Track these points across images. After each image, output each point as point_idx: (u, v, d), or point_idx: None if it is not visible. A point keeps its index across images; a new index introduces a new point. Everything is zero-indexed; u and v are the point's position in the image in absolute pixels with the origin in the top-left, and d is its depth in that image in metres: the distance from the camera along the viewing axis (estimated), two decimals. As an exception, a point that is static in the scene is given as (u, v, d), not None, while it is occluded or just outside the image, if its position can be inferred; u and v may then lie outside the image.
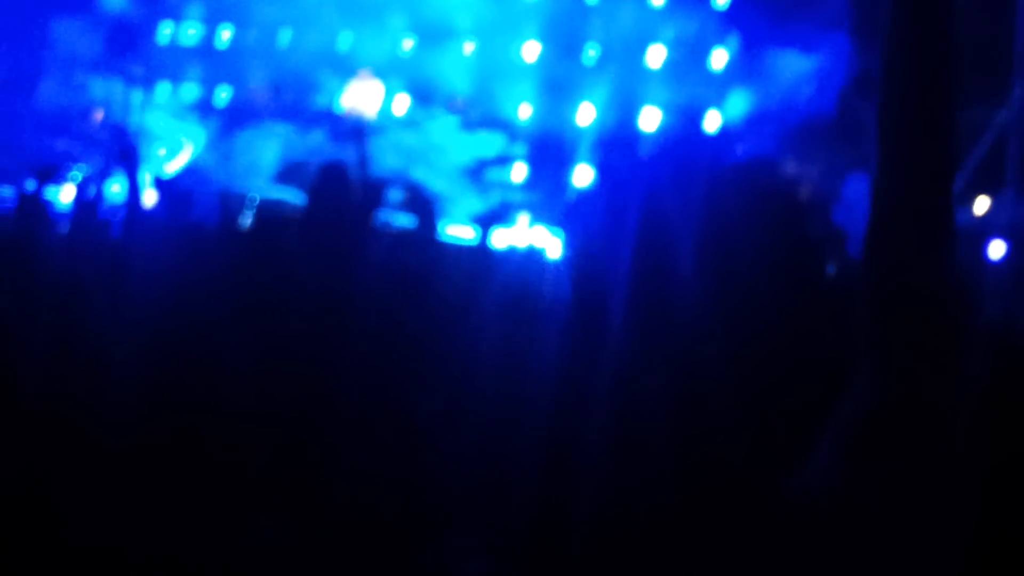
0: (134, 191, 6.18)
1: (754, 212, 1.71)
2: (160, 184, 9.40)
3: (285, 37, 14.12)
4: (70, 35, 12.26)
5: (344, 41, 14.05)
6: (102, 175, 9.46)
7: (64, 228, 7.45)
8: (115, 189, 10.14)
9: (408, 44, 14.07)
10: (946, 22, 1.72)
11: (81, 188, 8.45)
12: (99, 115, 12.15)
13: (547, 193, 11.79)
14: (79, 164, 9.84)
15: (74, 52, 12.17)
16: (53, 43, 12.14)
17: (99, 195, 8.13)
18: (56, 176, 8.74)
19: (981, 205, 10.11)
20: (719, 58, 13.56)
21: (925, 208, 1.67)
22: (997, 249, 8.65)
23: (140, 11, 13.61)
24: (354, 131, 12.35)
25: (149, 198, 9.00)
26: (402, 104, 13.80)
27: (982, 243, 8.53)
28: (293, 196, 11.67)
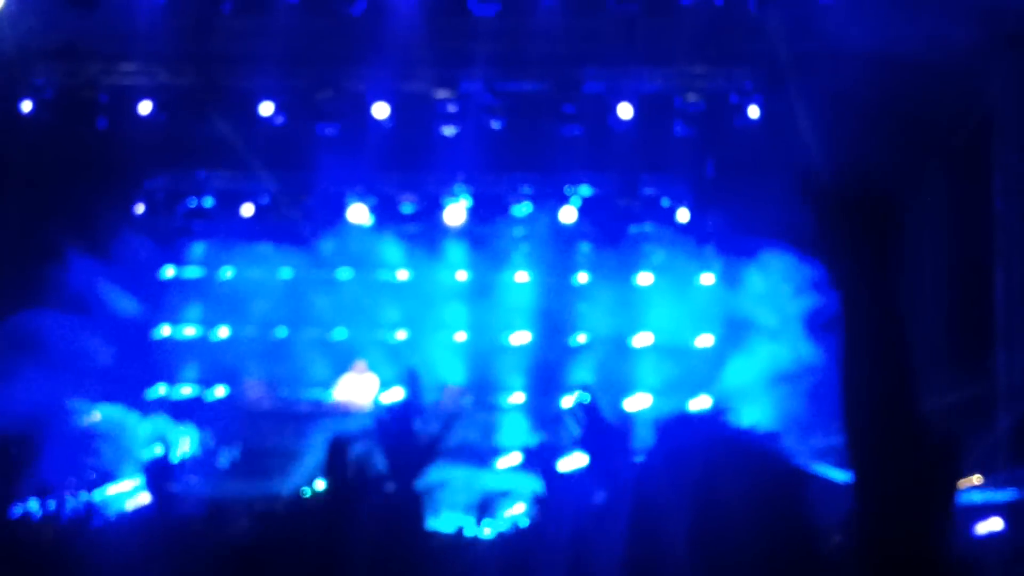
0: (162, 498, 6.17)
1: (749, 495, 1.73)
2: (153, 484, 9.40)
3: (281, 332, 14.44)
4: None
5: (339, 334, 14.38)
6: (94, 482, 9.52)
7: (57, 537, 7.45)
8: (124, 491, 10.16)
9: (401, 335, 14.38)
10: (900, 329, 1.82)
11: (73, 496, 8.49)
12: (96, 416, 12.26)
13: (539, 478, 11.74)
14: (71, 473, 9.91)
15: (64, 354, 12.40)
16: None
17: (90, 504, 8.17)
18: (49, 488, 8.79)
19: (976, 481, 10.09)
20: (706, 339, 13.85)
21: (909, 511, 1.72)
22: (995, 524, 8.64)
23: (138, 313, 13.94)
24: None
25: (141, 499, 8.99)
26: (395, 395, 13.94)
27: (978, 518, 8.53)
28: (289, 490, 11.64)
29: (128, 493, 10.68)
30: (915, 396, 1.81)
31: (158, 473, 5.88)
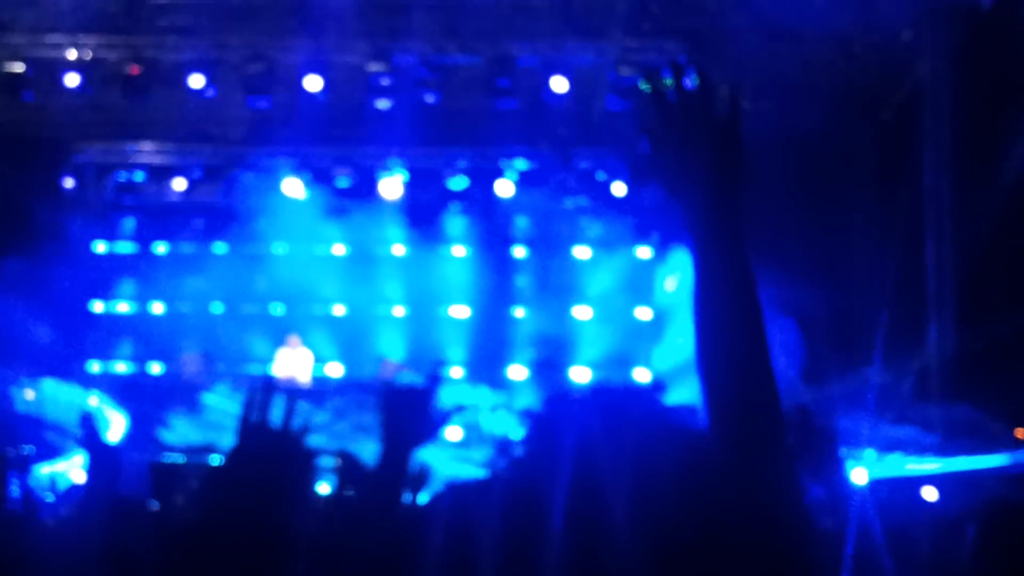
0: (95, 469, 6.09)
1: (681, 462, 1.73)
2: (92, 460, 9.27)
3: (217, 308, 14.30)
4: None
5: (276, 309, 14.28)
6: (32, 458, 9.37)
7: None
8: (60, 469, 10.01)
9: (340, 310, 14.32)
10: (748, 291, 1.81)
11: (10, 474, 8.33)
12: (29, 394, 12.07)
13: (482, 451, 11.81)
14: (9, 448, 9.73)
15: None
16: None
17: (28, 479, 8.03)
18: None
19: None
20: (645, 312, 13.97)
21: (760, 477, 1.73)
22: (930, 493, 8.86)
23: (70, 289, 13.72)
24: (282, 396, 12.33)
25: (78, 475, 8.86)
26: (335, 370, 13.92)
27: (917, 488, 8.74)
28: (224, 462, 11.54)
29: (66, 472, 10.54)
30: (762, 345, 1.80)
31: (92, 435, 5.77)
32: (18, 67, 13.94)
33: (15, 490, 7.99)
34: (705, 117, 1.89)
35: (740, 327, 1.80)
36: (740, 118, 1.90)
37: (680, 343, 13.03)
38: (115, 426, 12.06)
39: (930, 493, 8.85)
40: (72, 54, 14.01)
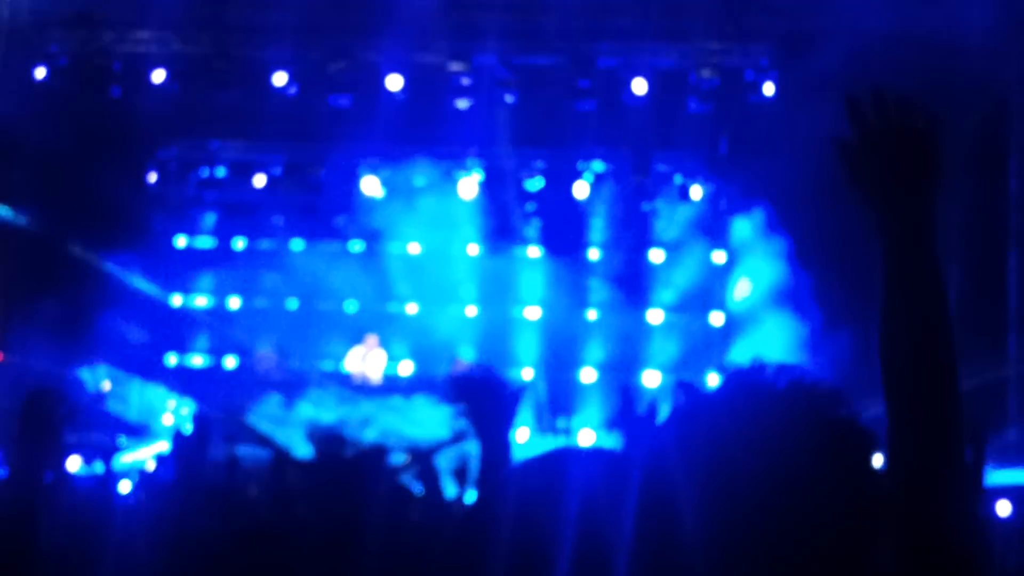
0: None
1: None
2: (171, 450, 9.45)
3: (292, 304, 14.45)
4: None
5: (350, 306, 14.39)
6: (113, 446, 9.57)
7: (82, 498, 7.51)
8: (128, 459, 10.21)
9: (412, 308, 14.37)
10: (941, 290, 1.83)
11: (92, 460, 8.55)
12: (107, 385, 12.29)
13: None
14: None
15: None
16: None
17: (109, 465, 8.23)
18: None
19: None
20: (717, 317, 13.86)
21: (941, 468, 1.73)
22: (1004, 508, 8.69)
23: (150, 282, 13.96)
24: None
25: (156, 463, 9.04)
26: (406, 368, 13.99)
27: (991, 501, 8.57)
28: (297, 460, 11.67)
29: (142, 461, 10.74)
30: (951, 341, 1.82)
31: (186, 447, 5.93)
32: (107, 63, 14.24)
33: (97, 475, 8.19)
34: (904, 128, 1.91)
35: (930, 332, 1.84)
36: (939, 130, 1.90)
37: (752, 348, 12.92)
38: (191, 419, 12.25)
39: (1004, 507, 8.68)
40: (158, 51, 14.25)
